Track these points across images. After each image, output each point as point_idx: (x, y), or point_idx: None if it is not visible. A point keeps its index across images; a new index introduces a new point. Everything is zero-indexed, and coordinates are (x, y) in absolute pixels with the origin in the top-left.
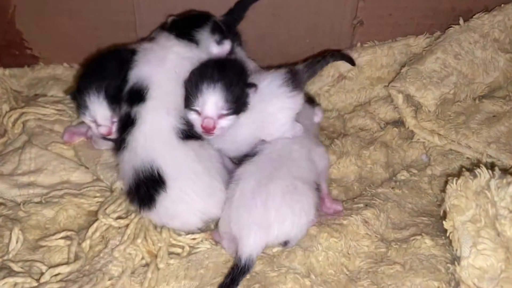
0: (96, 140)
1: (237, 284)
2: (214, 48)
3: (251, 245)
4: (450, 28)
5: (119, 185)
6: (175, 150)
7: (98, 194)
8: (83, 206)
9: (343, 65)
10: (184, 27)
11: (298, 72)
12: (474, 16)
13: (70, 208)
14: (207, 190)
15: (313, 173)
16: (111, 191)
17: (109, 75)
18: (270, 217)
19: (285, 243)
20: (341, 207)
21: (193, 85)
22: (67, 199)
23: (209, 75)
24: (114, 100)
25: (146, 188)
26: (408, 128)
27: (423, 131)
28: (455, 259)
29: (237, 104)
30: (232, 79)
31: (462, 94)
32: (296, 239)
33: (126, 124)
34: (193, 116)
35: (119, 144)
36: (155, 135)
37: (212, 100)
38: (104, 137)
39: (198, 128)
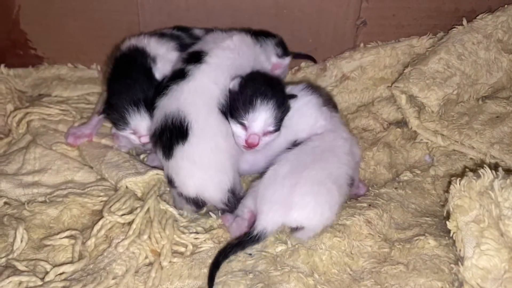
0: (120, 139)
1: (242, 248)
2: (274, 58)
3: (268, 220)
4: (453, 29)
5: (124, 183)
6: (210, 115)
7: (102, 194)
8: (87, 205)
9: (346, 66)
10: (254, 32)
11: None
12: (477, 17)
13: (74, 207)
14: (217, 167)
15: (351, 167)
16: (116, 190)
17: (142, 86)
18: (293, 200)
19: (297, 229)
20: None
21: (245, 98)
22: (71, 199)
23: (263, 91)
24: (150, 108)
25: (169, 135)
26: (411, 128)
27: (426, 132)
28: (459, 260)
29: (282, 121)
30: (282, 98)
31: (465, 95)
32: (311, 229)
33: (177, 76)
34: (237, 129)
35: (161, 89)
36: (200, 93)
37: (263, 118)
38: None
39: (240, 141)
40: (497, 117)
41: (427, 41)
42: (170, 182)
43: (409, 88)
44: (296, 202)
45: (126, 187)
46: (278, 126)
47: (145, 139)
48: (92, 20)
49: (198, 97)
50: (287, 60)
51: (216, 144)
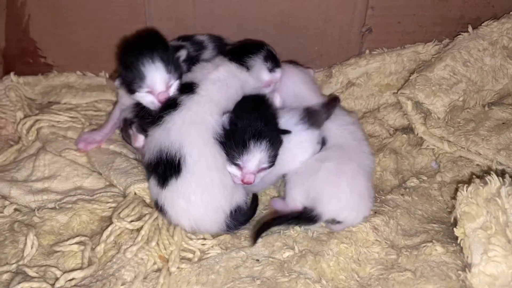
0: (138, 136)
1: (297, 223)
2: (265, 74)
3: (326, 209)
4: (459, 36)
5: (132, 190)
6: (205, 147)
7: (110, 200)
8: (96, 211)
9: (351, 72)
10: (238, 52)
11: (316, 111)
12: (482, 24)
13: (83, 213)
14: (212, 204)
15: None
16: (124, 196)
17: (160, 45)
18: (350, 200)
19: (338, 222)
20: None
21: (237, 140)
22: (80, 205)
23: (255, 132)
24: (169, 62)
25: (164, 168)
26: (417, 134)
27: (433, 138)
28: (466, 266)
29: (276, 156)
30: (275, 135)
31: (471, 101)
32: (350, 224)
33: (169, 105)
34: (232, 169)
35: (155, 120)
36: (194, 124)
37: (257, 158)
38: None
39: (237, 180)
40: (503, 123)
41: (433, 47)
42: (160, 210)
43: (415, 94)
44: (352, 202)
45: (135, 193)
46: (272, 162)
47: (164, 95)
48: (101, 29)
49: (193, 128)
50: (278, 73)
51: (211, 179)
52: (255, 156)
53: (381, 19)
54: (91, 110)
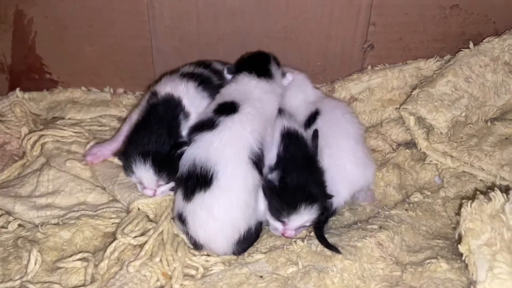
0: None
1: (325, 221)
2: (284, 80)
3: (342, 197)
4: (460, 52)
5: (136, 205)
6: (239, 166)
7: (114, 216)
8: (99, 227)
9: (354, 87)
10: (258, 65)
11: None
12: (484, 40)
13: (86, 229)
14: (231, 221)
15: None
16: (128, 211)
17: (158, 140)
18: (357, 173)
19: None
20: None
21: (287, 201)
22: (84, 221)
23: (305, 196)
24: (162, 166)
25: (195, 182)
26: (420, 149)
27: (436, 153)
28: (471, 283)
29: (322, 215)
30: (323, 199)
31: (473, 117)
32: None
33: (202, 126)
34: (276, 224)
35: (188, 138)
36: (231, 143)
37: (303, 219)
38: None
39: (277, 232)
40: (506, 138)
41: (434, 63)
42: (182, 221)
43: (417, 110)
44: (359, 173)
45: (138, 208)
46: (316, 219)
47: (148, 192)
48: (106, 45)
49: (230, 147)
50: (290, 76)
51: (237, 198)
52: (303, 218)
53: (383, 36)
54: (95, 125)
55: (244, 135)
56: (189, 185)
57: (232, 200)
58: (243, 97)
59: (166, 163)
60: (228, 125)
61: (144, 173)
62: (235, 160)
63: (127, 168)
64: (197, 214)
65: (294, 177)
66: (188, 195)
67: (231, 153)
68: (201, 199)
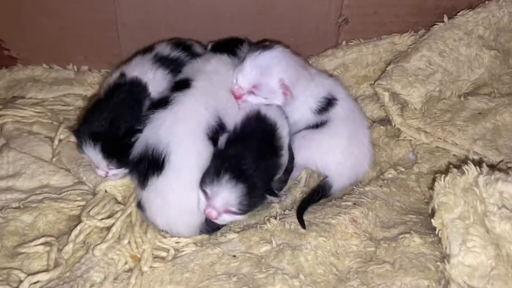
0: None
1: (318, 200)
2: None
3: (341, 184)
4: (434, 26)
5: (103, 187)
6: (193, 144)
7: (79, 198)
8: (63, 210)
9: (328, 63)
10: (226, 45)
11: None
12: (458, 14)
13: (49, 213)
14: (188, 206)
15: None
16: (94, 194)
17: (113, 124)
18: (355, 159)
19: None
20: None
21: (216, 165)
22: (47, 204)
23: (233, 166)
24: (112, 151)
25: (147, 165)
26: (394, 126)
27: (410, 129)
28: (445, 257)
29: (251, 209)
30: (260, 186)
31: (447, 92)
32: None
33: (158, 105)
34: (200, 195)
35: (144, 117)
36: (184, 120)
37: (224, 196)
38: None
39: (200, 207)
40: (479, 113)
41: (409, 38)
42: (141, 208)
43: (392, 85)
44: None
45: (105, 191)
46: (243, 212)
47: (100, 172)
48: (67, 19)
49: (183, 125)
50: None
51: (191, 180)
52: (225, 193)
53: (357, 10)
54: (58, 104)
55: (199, 111)
56: (142, 170)
57: (185, 182)
58: (197, 72)
59: (117, 149)
60: (181, 101)
61: (94, 156)
62: (189, 138)
63: (79, 147)
64: (153, 201)
65: (235, 148)
66: (142, 181)
67: (185, 130)
68: (155, 185)
